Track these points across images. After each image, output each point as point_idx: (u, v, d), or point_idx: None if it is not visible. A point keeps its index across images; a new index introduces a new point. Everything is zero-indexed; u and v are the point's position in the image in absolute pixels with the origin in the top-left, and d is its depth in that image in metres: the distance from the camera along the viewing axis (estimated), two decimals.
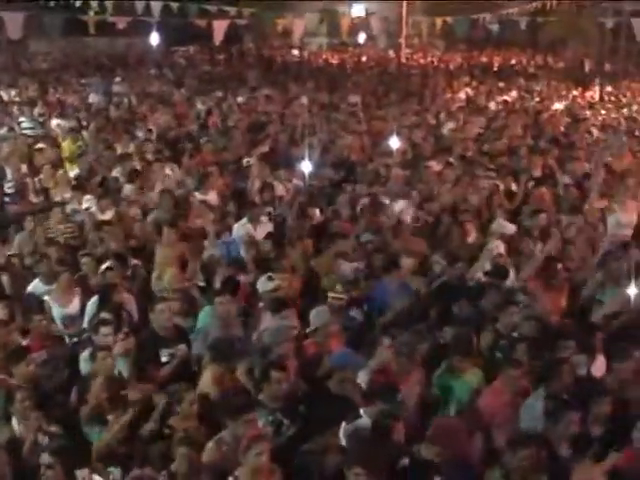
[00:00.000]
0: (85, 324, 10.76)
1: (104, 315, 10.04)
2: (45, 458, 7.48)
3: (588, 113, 26.77)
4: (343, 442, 8.06)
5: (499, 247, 12.45)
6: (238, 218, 13.71)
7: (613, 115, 26.90)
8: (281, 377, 8.50)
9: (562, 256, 12.24)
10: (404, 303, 10.79)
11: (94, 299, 10.85)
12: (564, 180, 16.58)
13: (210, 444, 7.81)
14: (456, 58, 46.29)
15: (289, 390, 8.69)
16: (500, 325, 10.07)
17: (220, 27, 32.69)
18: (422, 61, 44.49)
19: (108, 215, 13.84)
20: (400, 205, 14.22)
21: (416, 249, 12.31)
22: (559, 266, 11.68)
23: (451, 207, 14.34)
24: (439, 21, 40.01)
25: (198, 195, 14.86)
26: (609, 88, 34.18)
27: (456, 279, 11.54)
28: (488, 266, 11.72)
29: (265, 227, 13.33)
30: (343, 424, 8.18)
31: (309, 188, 15.19)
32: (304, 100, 25.95)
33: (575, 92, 32.39)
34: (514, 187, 15.85)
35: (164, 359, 9.68)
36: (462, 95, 29.96)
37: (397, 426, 7.96)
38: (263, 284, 10.79)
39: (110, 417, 8.35)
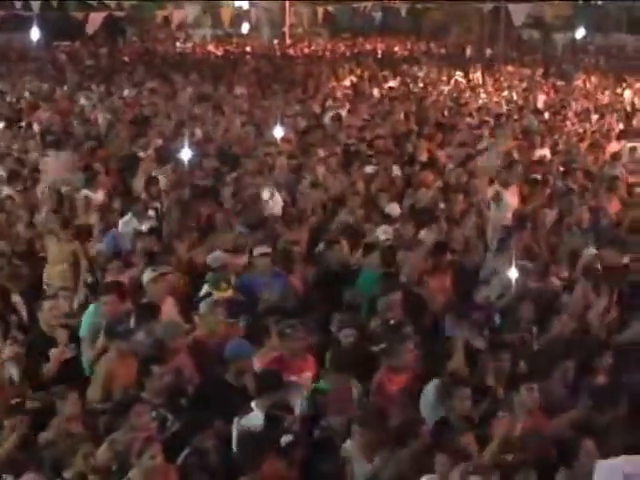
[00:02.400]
0: None
1: None
2: None
3: (469, 97, 27.21)
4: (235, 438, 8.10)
5: (387, 232, 12.59)
6: (124, 214, 13.57)
7: (495, 99, 27.40)
8: (163, 372, 8.43)
9: (448, 239, 12.47)
10: (277, 293, 10.82)
11: None
12: (448, 164, 16.87)
13: (103, 446, 7.73)
14: (340, 46, 46.47)
15: (176, 385, 8.64)
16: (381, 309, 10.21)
17: (95, 19, 32.27)
18: (306, 50, 44.54)
19: None
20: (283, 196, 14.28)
21: (298, 238, 12.34)
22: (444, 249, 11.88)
23: (338, 195, 14.43)
24: (321, 10, 40.12)
25: (84, 192, 14.65)
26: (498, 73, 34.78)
27: (340, 265, 11.62)
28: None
29: (150, 222, 13.23)
30: (235, 419, 8.19)
31: (194, 181, 15.09)
32: (188, 92, 25.80)
33: (457, 77, 32.79)
34: (398, 172, 16.02)
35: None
36: (347, 83, 30.13)
37: (289, 417, 7.97)
38: (147, 275, 10.69)
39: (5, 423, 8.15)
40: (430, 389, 8.53)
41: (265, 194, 14.22)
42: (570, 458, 7.43)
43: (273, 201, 14.17)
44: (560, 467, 7.48)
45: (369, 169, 15.81)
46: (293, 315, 9.83)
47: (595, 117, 23.88)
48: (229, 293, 10.58)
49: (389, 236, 12.40)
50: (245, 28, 48.28)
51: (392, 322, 9.87)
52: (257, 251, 11.44)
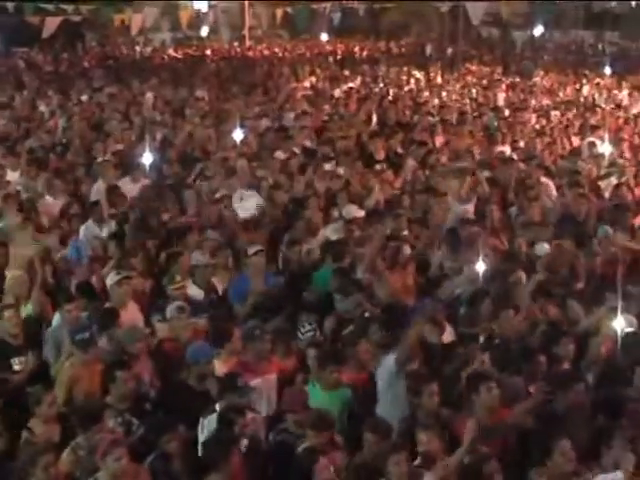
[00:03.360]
0: None
1: None
2: None
3: (429, 96, 27.33)
4: (201, 435, 8.11)
5: (337, 230, 12.72)
6: (85, 219, 13.52)
7: (454, 97, 27.53)
8: (127, 377, 8.43)
9: (408, 235, 12.56)
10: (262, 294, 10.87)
11: None
12: (410, 162, 16.97)
13: (66, 451, 7.71)
14: (300, 48, 46.47)
15: (138, 389, 8.64)
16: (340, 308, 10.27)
17: (51, 24, 32.07)
18: (266, 52, 44.50)
19: None
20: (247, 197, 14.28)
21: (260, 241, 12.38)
22: (405, 246, 11.95)
23: (299, 196, 14.46)
24: (280, 11, 40.08)
25: (44, 198, 14.59)
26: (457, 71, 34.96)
27: (304, 267, 11.68)
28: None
29: (111, 227, 13.19)
30: (201, 419, 8.20)
31: (155, 185, 15.06)
32: (149, 97, 25.71)
33: (417, 76, 32.91)
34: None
35: (16, 367, 9.49)
36: (307, 84, 30.16)
37: (245, 419, 8.00)
38: (110, 279, 10.67)
39: None
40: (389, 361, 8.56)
41: (235, 197, 14.22)
42: (544, 457, 7.50)
43: (243, 204, 14.15)
44: (533, 464, 7.55)
45: (329, 169, 15.86)
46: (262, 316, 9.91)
47: (554, 113, 24.08)
48: (184, 288, 10.55)
49: (340, 234, 12.49)
50: (204, 31, 48.17)
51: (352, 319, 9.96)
52: (251, 250, 11.49)
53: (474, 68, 36.54)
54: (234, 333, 9.45)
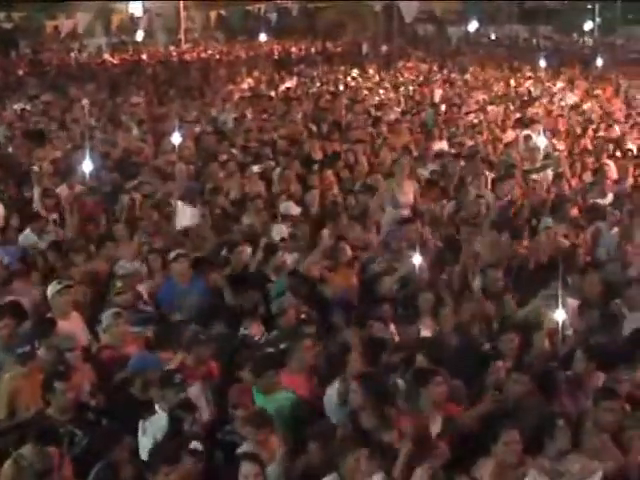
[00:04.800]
0: None
1: None
2: None
3: (366, 94, 27.41)
4: (143, 440, 8.07)
5: (281, 232, 12.73)
6: (22, 228, 13.38)
7: (391, 95, 27.65)
8: (66, 388, 8.34)
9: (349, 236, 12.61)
10: (197, 300, 10.81)
11: None
12: (348, 161, 17.03)
13: (8, 462, 7.62)
14: (236, 49, 46.39)
15: (79, 400, 8.57)
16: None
17: None
18: (203, 55, 44.35)
19: None
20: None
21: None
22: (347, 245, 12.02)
23: (239, 198, 14.43)
24: (214, 14, 39.96)
25: None
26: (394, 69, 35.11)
27: (242, 269, 11.69)
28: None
29: (50, 236, 13.06)
30: (140, 422, 8.16)
31: (92, 192, 14.95)
32: (85, 103, 25.49)
33: (354, 74, 33.00)
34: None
35: None
36: (244, 86, 30.12)
37: (190, 418, 7.99)
38: (51, 289, 10.57)
39: None
40: (332, 392, 8.56)
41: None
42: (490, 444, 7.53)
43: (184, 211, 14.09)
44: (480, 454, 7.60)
45: (267, 170, 15.86)
46: (204, 321, 9.87)
47: (490, 107, 24.30)
48: (125, 296, 10.54)
49: (284, 235, 12.50)
50: (140, 35, 47.91)
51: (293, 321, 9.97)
52: (172, 254, 11.43)
53: (410, 65, 36.73)
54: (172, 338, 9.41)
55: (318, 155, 17.43)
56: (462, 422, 8.20)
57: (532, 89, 28.70)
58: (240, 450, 7.73)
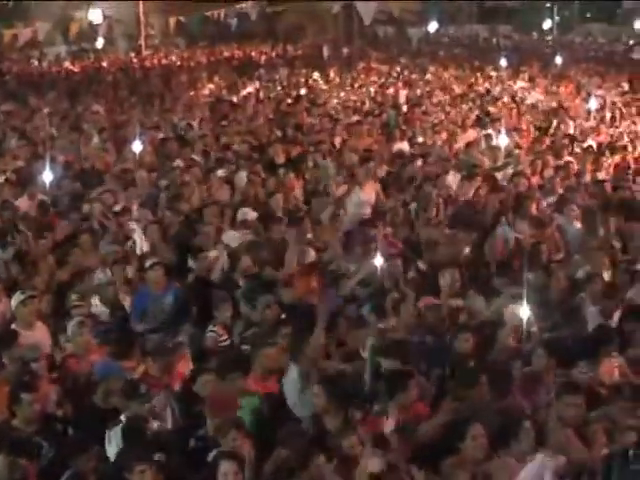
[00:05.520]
0: None
1: None
2: None
3: (328, 97, 27.47)
4: (109, 450, 8.04)
5: (234, 238, 12.74)
6: None
7: (353, 97, 27.71)
8: (32, 399, 8.30)
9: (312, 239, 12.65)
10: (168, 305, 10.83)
11: None
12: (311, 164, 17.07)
13: None
14: (197, 55, 46.28)
15: (45, 410, 8.53)
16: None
17: None
18: (164, 61, 44.22)
19: None
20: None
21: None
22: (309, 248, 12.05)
23: (200, 205, 14.41)
24: (173, 20, 39.85)
25: None
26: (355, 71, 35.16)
27: (206, 273, 11.70)
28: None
29: (13, 247, 12.96)
30: (107, 431, 8.14)
31: (53, 201, 14.88)
32: (45, 112, 25.33)
33: (315, 77, 33.03)
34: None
35: None
36: (205, 91, 30.06)
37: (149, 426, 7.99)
38: (15, 299, 10.51)
39: None
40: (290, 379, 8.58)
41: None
42: (457, 441, 7.60)
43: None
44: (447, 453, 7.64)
45: (229, 176, 15.86)
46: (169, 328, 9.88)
47: (451, 107, 24.42)
48: (84, 307, 10.51)
49: (237, 241, 12.52)
50: (100, 42, 47.72)
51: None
52: (148, 262, 11.43)
53: (372, 66, 36.81)
54: (136, 347, 9.40)
55: (281, 159, 17.42)
56: (425, 429, 8.21)
57: (492, 88, 28.85)
58: (218, 450, 7.73)
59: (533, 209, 14.10)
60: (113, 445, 8.03)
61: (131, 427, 7.92)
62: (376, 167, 16.04)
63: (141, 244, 12.84)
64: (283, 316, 10.25)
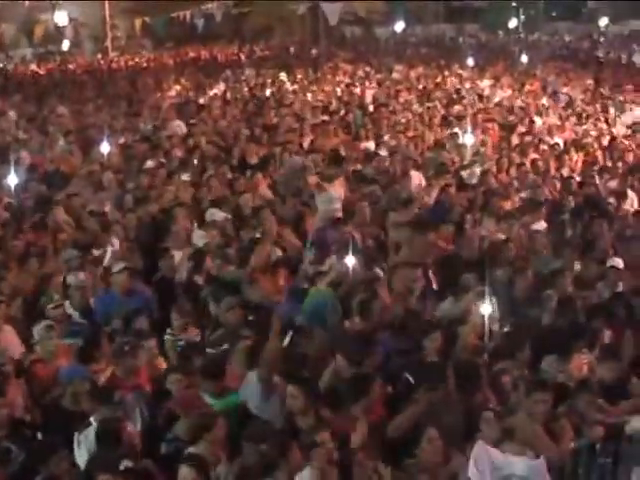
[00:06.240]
0: None
1: None
2: None
3: (295, 97, 27.45)
4: (79, 453, 8.00)
5: (202, 237, 12.77)
6: None
7: (320, 97, 27.70)
8: (0, 403, 8.26)
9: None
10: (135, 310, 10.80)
11: None
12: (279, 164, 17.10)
13: None
14: (164, 57, 46.14)
15: (14, 415, 8.48)
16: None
17: None
18: (130, 63, 44.04)
19: None
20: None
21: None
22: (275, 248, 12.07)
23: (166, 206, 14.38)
24: (138, 22, 39.67)
25: None
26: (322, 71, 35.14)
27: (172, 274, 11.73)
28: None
29: None
30: (76, 434, 8.11)
31: (19, 205, 14.81)
32: (11, 115, 25.19)
33: (282, 78, 32.99)
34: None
35: None
36: (172, 93, 29.97)
37: (124, 428, 7.96)
38: None
39: None
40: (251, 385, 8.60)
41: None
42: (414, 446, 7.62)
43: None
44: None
45: (193, 177, 15.86)
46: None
47: (418, 106, 24.48)
48: (62, 307, 10.49)
49: (206, 240, 12.51)
50: (66, 45, 47.47)
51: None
52: (115, 267, 11.42)
53: (339, 66, 36.82)
54: (102, 350, 9.39)
55: (254, 159, 17.43)
56: (393, 426, 8.27)
57: (459, 87, 28.94)
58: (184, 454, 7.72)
59: (500, 207, 14.18)
60: (83, 449, 8.01)
61: (105, 430, 7.88)
62: (345, 166, 16.07)
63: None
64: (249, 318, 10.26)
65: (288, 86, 30.58)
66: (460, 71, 33.30)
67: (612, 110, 23.71)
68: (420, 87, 29.44)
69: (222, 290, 10.70)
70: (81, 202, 14.61)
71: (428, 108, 23.88)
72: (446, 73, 32.99)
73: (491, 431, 7.66)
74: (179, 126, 21.61)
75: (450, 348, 9.49)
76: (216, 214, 13.67)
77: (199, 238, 12.77)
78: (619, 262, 11.80)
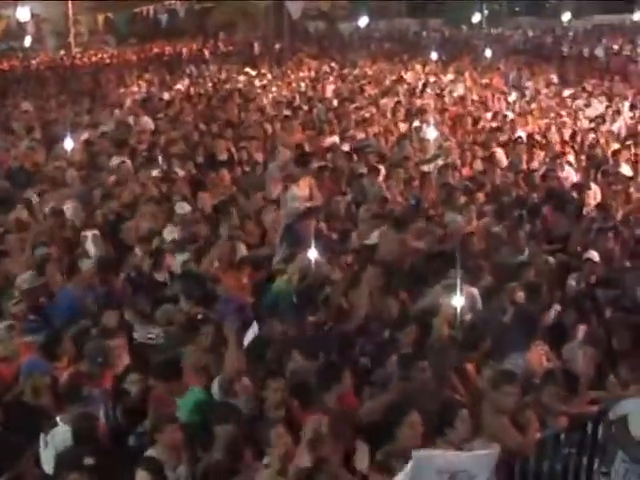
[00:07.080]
0: None
1: None
2: None
3: (259, 92, 27.41)
4: (45, 453, 7.94)
5: (172, 232, 12.74)
6: None
7: (284, 92, 27.69)
8: None
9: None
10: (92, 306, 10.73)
11: None
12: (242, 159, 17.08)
13: None
14: (128, 53, 45.90)
15: None
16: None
17: None
18: (93, 59, 43.77)
19: None
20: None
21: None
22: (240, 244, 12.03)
23: (131, 203, 14.30)
24: (101, 17, 39.44)
25: None
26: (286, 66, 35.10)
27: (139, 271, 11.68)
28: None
29: None
30: (42, 435, 8.04)
31: None
32: None
33: (246, 73, 32.93)
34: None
35: None
36: (135, 89, 29.82)
37: (97, 426, 7.92)
38: None
39: None
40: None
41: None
42: (393, 429, 7.63)
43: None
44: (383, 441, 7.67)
45: (159, 172, 15.80)
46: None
47: (382, 101, 24.51)
48: (21, 306, 10.41)
49: (175, 236, 12.47)
50: (28, 41, 47.12)
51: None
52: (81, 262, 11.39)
53: (304, 61, 36.79)
54: (65, 346, 9.33)
55: (223, 155, 17.37)
56: (365, 412, 8.29)
57: (422, 81, 29.00)
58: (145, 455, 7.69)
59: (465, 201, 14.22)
60: (50, 449, 7.93)
61: (81, 428, 7.82)
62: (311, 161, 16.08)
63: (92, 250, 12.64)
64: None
65: (252, 81, 30.50)
66: (423, 66, 33.37)
67: (575, 104, 23.85)
68: (384, 81, 29.45)
69: (194, 286, 10.66)
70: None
71: (392, 102, 23.89)
72: (409, 67, 33.06)
73: (464, 430, 7.66)
74: (147, 122, 21.51)
75: (424, 339, 9.53)
76: (185, 207, 13.61)
77: (169, 233, 12.69)
78: (595, 255, 11.88)
